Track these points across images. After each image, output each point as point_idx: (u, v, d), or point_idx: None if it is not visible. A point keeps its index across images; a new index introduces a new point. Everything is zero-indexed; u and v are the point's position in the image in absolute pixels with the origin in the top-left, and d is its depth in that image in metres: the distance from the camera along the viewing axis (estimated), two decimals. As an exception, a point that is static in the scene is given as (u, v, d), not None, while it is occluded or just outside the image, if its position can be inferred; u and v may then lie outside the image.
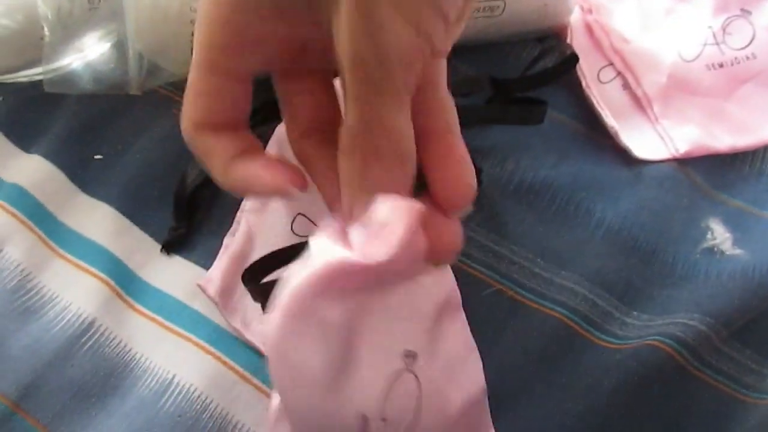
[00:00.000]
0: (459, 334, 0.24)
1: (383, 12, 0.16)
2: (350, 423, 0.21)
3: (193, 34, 0.33)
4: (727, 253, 0.34)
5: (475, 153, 0.35)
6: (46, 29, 0.33)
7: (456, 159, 0.20)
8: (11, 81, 0.38)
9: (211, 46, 0.19)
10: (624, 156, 0.37)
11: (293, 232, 0.31)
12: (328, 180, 0.20)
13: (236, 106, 0.20)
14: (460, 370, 0.23)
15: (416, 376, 0.21)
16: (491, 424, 0.26)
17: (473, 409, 0.24)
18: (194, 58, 0.20)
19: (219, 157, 0.20)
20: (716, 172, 0.37)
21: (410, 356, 0.21)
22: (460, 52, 0.39)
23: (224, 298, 0.31)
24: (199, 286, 0.31)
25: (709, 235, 0.35)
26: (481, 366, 0.24)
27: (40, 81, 0.36)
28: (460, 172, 0.20)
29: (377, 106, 0.17)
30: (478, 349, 0.30)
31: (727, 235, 0.35)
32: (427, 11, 0.17)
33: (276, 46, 0.20)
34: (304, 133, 0.21)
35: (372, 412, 0.21)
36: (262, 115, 0.32)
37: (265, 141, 0.33)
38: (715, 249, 0.34)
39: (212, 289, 0.31)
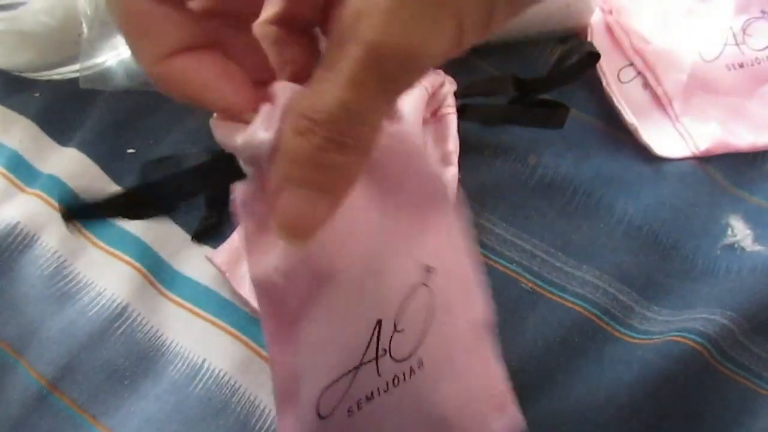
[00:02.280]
0: (472, 260, 0.24)
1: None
2: (366, 327, 0.21)
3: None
4: (748, 249, 0.34)
5: (496, 149, 0.37)
6: (84, 26, 0.34)
7: None
8: (47, 78, 0.39)
9: None
10: (644, 153, 0.38)
11: None
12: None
13: None
14: (469, 293, 0.24)
15: (432, 292, 0.22)
16: (498, 360, 0.26)
17: (479, 332, 0.24)
18: None
19: (157, 41, 0.16)
20: (736, 169, 0.37)
21: (429, 271, 0.22)
22: (484, 52, 0.40)
23: (231, 267, 0.31)
24: (207, 257, 0.31)
25: (729, 232, 0.35)
26: (486, 297, 0.25)
27: (75, 78, 0.37)
28: None
29: (375, 103, 0.15)
30: (501, 339, 0.31)
31: (748, 231, 0.35)
32: (475, 3, 0.15)
33: None
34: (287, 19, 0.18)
35: (388, 319, 0.21)
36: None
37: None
38: (736, 245, 0.34)
39: (219, 258, 0.31)
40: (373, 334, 0.21)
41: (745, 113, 0.39)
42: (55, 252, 0.32)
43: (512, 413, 0.26)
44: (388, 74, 0.14)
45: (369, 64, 0.14)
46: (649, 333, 0.31)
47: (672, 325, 0.31)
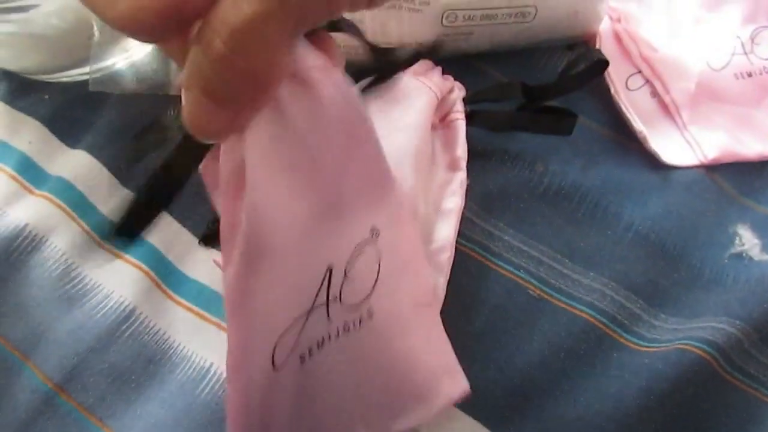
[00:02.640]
0: (412, 241, 0.26)
1: None
2: (317, 271, 0.22)
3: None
4: (756, 258, 0.34)
5: (504, 155, 0.37)
6: (96, 28, 0.35)
7: None
8: (56, 80, 0.39)
9: None
10: (652, 161, 0.38)
11: None
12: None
13: None
14: (414, 269, 0.26)
15: (379, 250, 0.24)
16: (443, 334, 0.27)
17: (422, 308, 0.26)
18: None
19: None
20: (744, 178, 0.37)
21: (374, 232, 0.24)
22: (492, 58, 0.40)
23: None
24: (215, 261, 0.32)
25: (737, 241, 0.35)
26: (430, 277, 0.27)
27: (85, 80, 0.38)
28: None
29: (279, 27, 0.15)
30: (507, 346, 0.31)
31: (756, 241, 0.35)
32: None
33: None
34: None
35: (339, 267, 0.22)
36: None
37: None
38: (744, 254, 0.34)
39: None
40: (324, 279, 0.22)
41: (753, 122, 0.39)
42: (63, 254, 0.32)
43: (461, 380, 0.27)
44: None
45: None
46: (657, 341, 0.31)
47: (679, 334, 0.31)
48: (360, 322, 0.24)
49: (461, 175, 0.34)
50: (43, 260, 0.32)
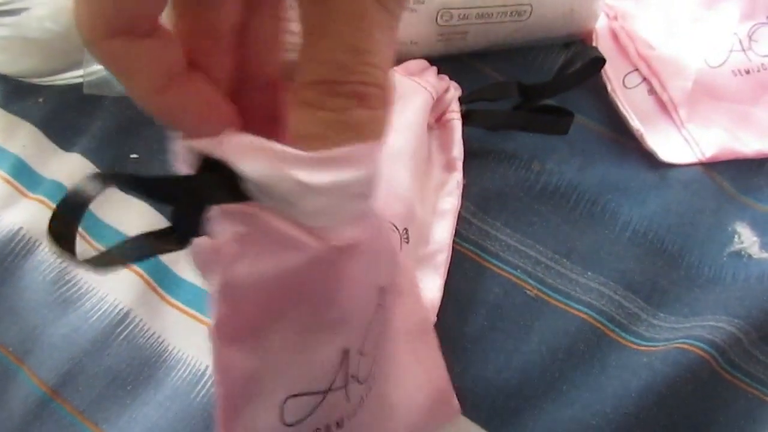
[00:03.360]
0: (408, 268, 0.26)
1: None
2: (333, 354, 0.21)
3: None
4: (755, 257, 0.34)
5: (501, 154, 0.36)
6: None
7: None
8: (50, 84, 0.39)
9: None
10: (649, 159, 0.37)
11: None
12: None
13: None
14: (409, 298, 0.25)
15: (384, 308, 0.22)
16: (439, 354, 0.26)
17: (417, 332, 0.25)
18: None
19: (147, 78, 0.15)
20: (743, 176, 0.37)
21: (381, 290, 0.22)
22: (488, 57, 0.40)
23: None
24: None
25: (736, 239, 0.35)
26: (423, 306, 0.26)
27: (79, 84, 0.37)
28: None
29: (382, 35, 0.14)
30: (505, 347, 0.31)
31: (755, 239, 0.34)
32: None
33: None
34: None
35: (354, 348, 0.21)
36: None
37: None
38: (743, 252, 0.34)
39: None
40: (341, 363, 0.21)
41: (751, 120, 0.39)
42: (57, 258, 0.32)
43: (453, 403, 0.27)
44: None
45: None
46: (655, 340, 0.31)
47: (678, 333, 0.31)
48: (369, 390, 0.23)
49: (457, 176, 0.33)
50: (38, 264, 0.32)
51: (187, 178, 0.17)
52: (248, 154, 0.15)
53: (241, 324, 0.19)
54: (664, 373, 0.29)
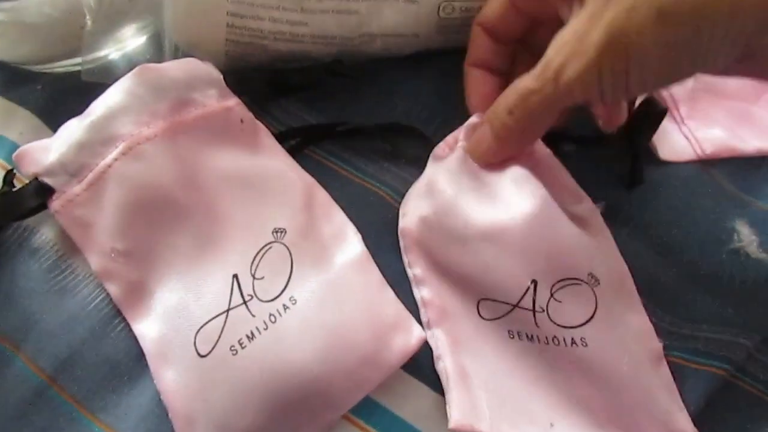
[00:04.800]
0: (333, 217, 0.32)
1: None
2: (224, 280, 0.28)
3: (228, 26, 0.34)
4: (753, 256, 0.34)
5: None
6: (88, 18, 0.34)
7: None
8: (49, 71, 0.39)
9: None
10: (649, 155, 0.37)
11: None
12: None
13: (509, 24, 0.32)
14: (334, 243, 0.31)
15: (286, 246, 0.29)
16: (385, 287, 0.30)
17: (355, 267, 0.30)
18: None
19: (472, 52, 0.34)
20: (742, 174, 0.37)
21: (279, 232, 0.30)
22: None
23: None
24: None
25: (735, 237, 0.35)
26: (360, 239, 0.31)
27: (77, 71, 0.37)
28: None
29: (551, 93, 0.26)
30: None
31: (753, 237, 0.34)
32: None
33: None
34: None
35: (243, 271, 0.28)
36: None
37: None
38: (741, 251, 0.34)
39: None
40: (232, 285, 0.28)
41: (751, 118, 0.39)
42: (54, 245, 0.32)
43: (411, 330, 0.29)
44: (561, 84, 0.26)
45: (550, 70, 0.26)
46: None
47: (678, 342, 0.31)
48: (285, 308, 0.28)
49: None
50: (34, 251, 0.32)
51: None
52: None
53: (130, 294, 0.30)
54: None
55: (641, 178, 0.35)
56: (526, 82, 0.27)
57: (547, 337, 0.29)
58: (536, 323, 0.28)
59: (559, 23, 0.28)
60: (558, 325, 0.28)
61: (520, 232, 0.28)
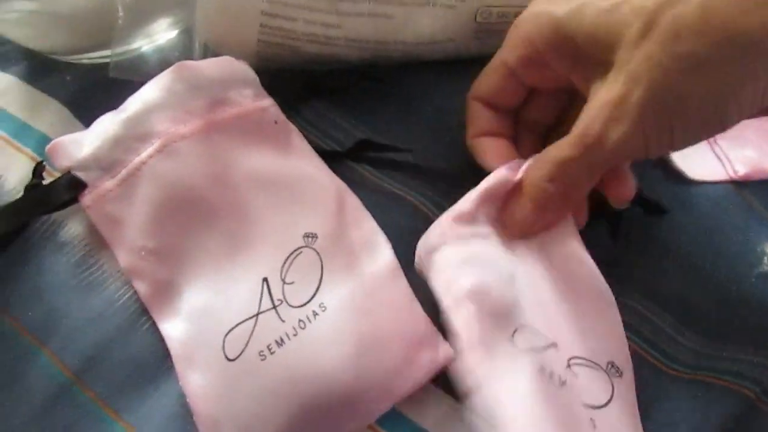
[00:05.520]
0: (363, 224, 0.31)
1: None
2: (253, 283, 0.28)
3: (261, 26, 0.34)
4: (783, 279, 0.34)
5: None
6: (120, 11, 0.34)
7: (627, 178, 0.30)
8: (77, 61, 0.39)
9: (507, 49, 0.31)
10: (679, 175, 0.37)
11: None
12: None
13: (507, 94, 0.32)
14: (364, 250, 0.30)
15: (317, 251, 0.29)
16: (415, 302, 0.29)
17: (385, 282, 0.29)
18: (501, 53, 0.31)
19: (475, 126, 0.32)
20: (773, 196, 0.37)
21: (310, 236, 0.30)
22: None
23: None
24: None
25: (765, 260, 0.34)
26: (390, 247, 0.30)
27: (105, 63, 0.37)
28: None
29: (589, 164, 0.27)
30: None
31: (784, 261, 0.34)
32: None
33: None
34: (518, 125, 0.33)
35: (272, 276, 0.28)
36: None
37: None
38: (772, 274, 0.34)
39: None
40: (262, 289, 0.28)
41: (785, 140, 0.38)
42: (82, 239, 0.32)
43: (439, 347, 0.28)
44: (599, 153, 0.26)
45: (589, 138, 0.26)
46: (684, 364, 0.31)
47: (708, 362, 0.31)
48: (314, 315, 0.27)
49: None
50: (61, 245, 0.32)
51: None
52: None
53: (159, 293, 0.29)
54: (702, 406, 0.29)
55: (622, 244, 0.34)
56: (562, 151, 0.27)
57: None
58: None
59: (557, 93, 0.31)
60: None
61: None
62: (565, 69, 0.28)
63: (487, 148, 0.32)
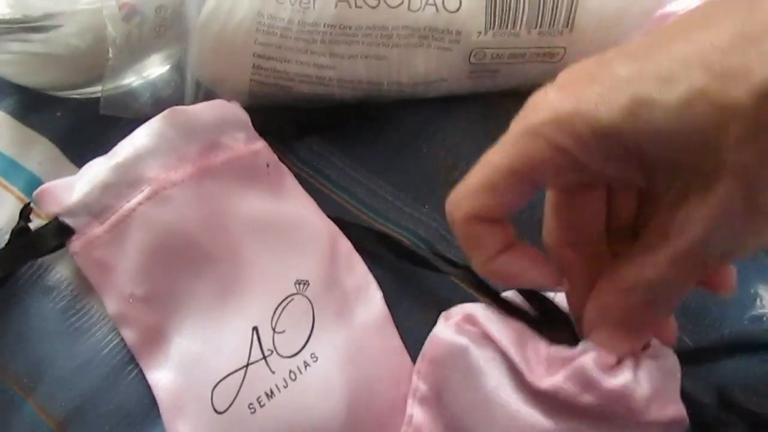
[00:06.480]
0: (356, 268, 0.31)
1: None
2: (241, 333, 0.28)
3: (254, 67, 0.34)
4: (776, 322, 0.34)
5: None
6: (111, 53, 0.33)
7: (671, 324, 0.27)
8: (67, 96, 0.38)
9: (519, 156, 0.22)
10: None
11: None
12: (580, 292, 0.24)
13: (515, 204, 0.23)
14: (356, 298, 0.30)
15: (309, 299, 0.29)
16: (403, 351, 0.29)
17: (375, 329, 0.29)
18: (492, 156, 0.22)
19: (486, 249, 0.23)
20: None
21: (302, 284, 0.29)
22: (519, 97, 0.39)
23: None
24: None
25: (758, 302, 0.34)
26: (381, 296, 0.30)
27: (97, 98, 0.36)
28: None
29: (688, 278, 0.22)
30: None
31: (777, 303, 0.34)
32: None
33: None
34: (572, 242, 0.25)
35: (263, 324, 0.28)
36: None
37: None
38: (765, 318, 0.34)
39: None
40: (252, 338, 0.27)
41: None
42: (70, 284, 0.31)
43: None
44: (700, 264, 0.21)
45: (691, 254, 0.21)
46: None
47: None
48: (305, 365, 0.27)
49: None
50: (48, 290, 0.31)
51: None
52: None
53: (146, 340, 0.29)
54: None
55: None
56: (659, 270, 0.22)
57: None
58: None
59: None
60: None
61: None
62: (616, 171, 0.23)
63: (517, 265, 0.24)
